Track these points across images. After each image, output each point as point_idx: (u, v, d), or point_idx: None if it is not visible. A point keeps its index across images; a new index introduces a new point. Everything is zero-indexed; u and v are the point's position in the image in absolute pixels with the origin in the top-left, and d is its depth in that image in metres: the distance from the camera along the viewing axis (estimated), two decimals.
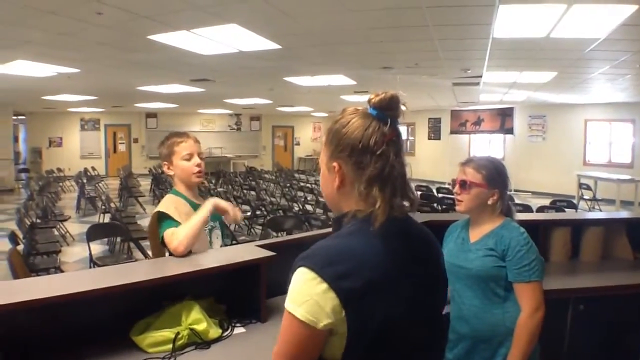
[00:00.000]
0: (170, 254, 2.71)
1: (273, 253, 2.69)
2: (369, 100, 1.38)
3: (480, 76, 10.08)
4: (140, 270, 2.61)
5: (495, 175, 2.67)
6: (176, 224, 2.73)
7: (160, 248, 2.81)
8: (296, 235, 3.10)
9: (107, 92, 14.32)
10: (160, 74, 10.62)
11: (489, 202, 2.62)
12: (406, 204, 1.37)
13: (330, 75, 10.66)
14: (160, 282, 2.33)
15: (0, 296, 1.95)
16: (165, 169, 3.03)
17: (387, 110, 1.36)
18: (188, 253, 2.65)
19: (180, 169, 2.96)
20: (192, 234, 2.65)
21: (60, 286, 2.16)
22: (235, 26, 6.06)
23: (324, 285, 1.18)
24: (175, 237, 2.65)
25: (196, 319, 2.35)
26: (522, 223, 4.35)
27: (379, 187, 1.31)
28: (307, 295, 1.20)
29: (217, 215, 3.06)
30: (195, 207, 2.91)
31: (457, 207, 2.72)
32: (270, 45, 7.09)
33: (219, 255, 2.71)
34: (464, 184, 2.63)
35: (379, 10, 5.42)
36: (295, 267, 1.26)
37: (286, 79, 11.11)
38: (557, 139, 17.90)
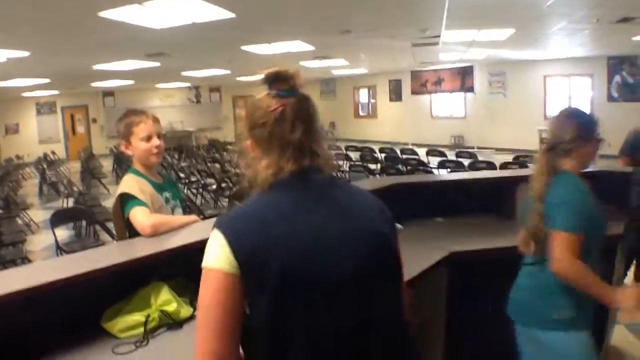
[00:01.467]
0: (132, 235, 2.67)
1: None
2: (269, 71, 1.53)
3: (439, 36, 10.05)
4: (106, 255, 2.54)
5: None
6: (142, 203, 2.69)
7: (125, 229, 2.75)
8: None
9: (61, 74, 13.96)
10: (114, 51, 10.36)
11: None
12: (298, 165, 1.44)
13: (289, 41, 10.50)
14: (127, 265, 2.27)
15: None
16: (122, 148, 2.95)
17: (273, 83, 1.51)
18: None
19: (140, 150, 2.88)
20: (167, 227, 2.68)
21: (26, 278, 2.10)
22: None
23: (224, 241, 1.34)
24: (148, 217, 2.63)
25: (166, 299, 2.30)
26: (487, 181, 4.40)
27: (264, 153, 1.46)
28: (213, 250, 1.36)
29: (177, 193, 3.13)
30: (156, 185, 2.91)
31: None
32: (224, 14, 6.92)
33: (185, 233, 2.65)
34: None
35: None
36: (212, 229, 1.41)
37: (244, 48, 10.92)
38: (517, 96, 18.08)
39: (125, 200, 2.72)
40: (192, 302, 2.42)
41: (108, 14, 6.41)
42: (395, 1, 6.86)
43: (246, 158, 1.53)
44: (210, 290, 1.35)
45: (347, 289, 1.37)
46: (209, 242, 1.39)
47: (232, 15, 7.02)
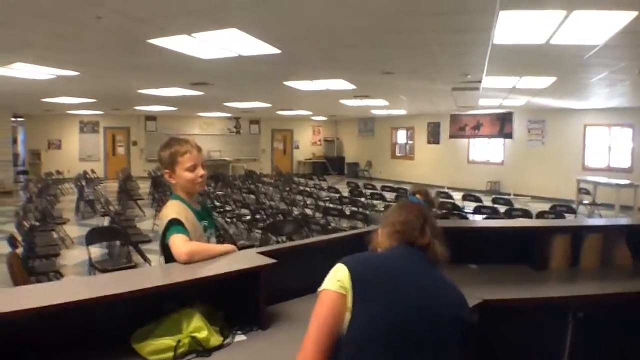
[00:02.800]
0: (168, 260, 2.73)
1: (273, 260, 2.68)
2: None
3: (480, 81, 10.09)
4: (140, 277, 2.60)
5: None
6: (184, 230, 2.73)
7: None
8: (296, 242, 3.10)
9: (106, 95, 14.32)
10: (160, 78, 10.62)
11: None
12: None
13: (330, 79, 10.66)
14: (161, 289, 2.32)
15: (1, 303, 1.95)
16: (167, 177, 3.01)
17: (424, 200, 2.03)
18: None
19: (184, 179, 2.94)
20: (204, 255, 2.72)
21: (61, 294, 2.15)
22: (234, 30, 6.05)
23: (343, 267, 1.75)
24: (186, 244, 2.66)
25: (197, 326, 2.34)
26: (523, 230, 4.39)
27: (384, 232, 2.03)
28: (330, 274, 1.77)
29: (212, 222, 3.20)
30: (196, 213, 2.96)
31: None
32: (270, 49, 7.08)
33: (219, 263, 2.70)
34: None
35: (378, 15, 5.42)
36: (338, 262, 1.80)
37: (286, 83, 11.11)
38: (556, 144, 17.88)
39: (169, 225, 2.75)
40: (222, 331, 2.47)
41: (157, 41, 6.61)
42: (438, 46, 6.95)
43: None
44: (323, 309, 1.71)
45: (426, 343, 1.66)
46: (331, 271, 1.77)
47: (277, 51, 7.18)
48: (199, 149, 3.04)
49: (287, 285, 2.94)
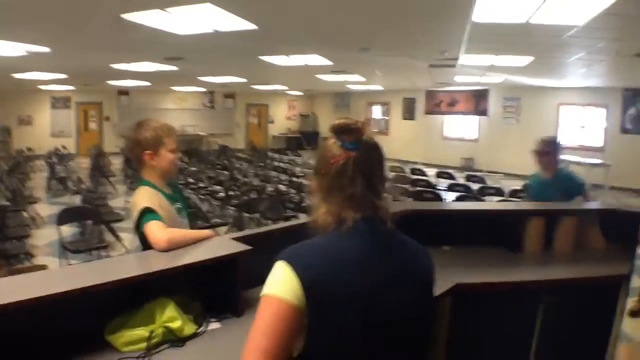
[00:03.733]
0: (145, 248, 2.66)
1: (249, 247, 2.63)
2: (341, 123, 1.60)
3: (457, 59, 10.06)
4: (113, 268, 2.53)
5: None
6: (158, 217, 2.68)
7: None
8: (271, 227, 3.07)
9: (78, 71, 14.02)
10: (134, 53, 10.43)
11: None
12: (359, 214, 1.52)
13: (307, 55, 10.54)
14: (134, 280, 2.26)
15: None
16: (146, 158, 2.89)
17: (342, 135, 1.56)
18: None
19: (167, 161, 2.90)
20: (182, 242, 2.66)
21: (32, 287, 2.09)
22: (209, 5, 5.92)
23: (292, 273, 1.40)
24: (163, 231, 2.61)
25: (170, 316, 2.29)
26: (496, 213, 4.39)
27: (324, 200, 1.56)
28: (277, 279, 1.43)
29: (185, 203, 3.21)
30: (169, 197, 2.92)
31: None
32: (246, 25, 6.95)
33: (194, 251, 2.64)
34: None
35: None
36: (276, 260, 1.48)
37: (262, 58, 10.97)
38: (530, 122, 17.99)
39: (143, 213, 2.69)
40: (197, 319, 2.43)
41: (131, 16, 6.44)
42: (416, 23, 6.88)
43: (311, 196, 1.65)
44: (269, 317, 1.40)
45: (397, 327, 1.50)
46: (272, 271, 1.46)
47: (254, 26, 7.04)
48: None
49: (261, 270, 2.88)
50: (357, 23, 7.04)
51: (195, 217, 7.18)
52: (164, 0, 5.82)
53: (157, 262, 2.45)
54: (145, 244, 2.69)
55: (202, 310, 2.52)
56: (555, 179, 5.04)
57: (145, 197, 2.78)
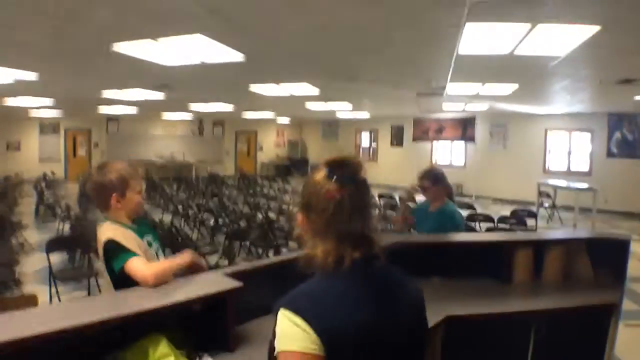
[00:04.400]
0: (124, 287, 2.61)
1: (239, 284, 2.64)
2: (335, 160, 1.57)
3: (444, 88, 10.16)
4: (105, 305, 2.51)
5: None
6: (134, 253, 2.63)
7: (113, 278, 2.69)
8: (263, 262, 3.09)
9: (67, 97, 14.02)
10: (122, 81, 10.45)
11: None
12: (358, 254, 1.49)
13: (295, 83, 10.62)
14: (125, 318, 2.25)
15: None
16: (113, 202, 2.82)
17: (337, 170, 1.53)
18: None
19: (133, 203, 2.87)
20: (168, 274, 2.62)
21: (25, 325, 2.09)
22: (199, 36, 5.97)
23: (304, 325, 1.36)
24: (147, 267, 2.57)
25: (163, 353, 2.29)
26: (485, 244, 4.43)
27: (320, 239, 1.51)
28: (290, 333, 1.37)
29: (156, 235, 3.13)
30: (136, 231, 2.86)
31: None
32: (234, 56, 7.01)
33: (185, 287, 2.64)
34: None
35: (344, 27, 5.42)
36: (276, 310, 1.43)
37: (251, 87, 11.04)
38: (518, 148, 18.29)
39: (115, 253, 2.62)
40: (190, 356, 2.42)
41: (121, 46, 6.47)
42: (403, 56, 6.97)
43: (301, 231, 1.61)
44: None
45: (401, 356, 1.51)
46: (280, 323, 1.40)
47: (242, 57, 7.10)
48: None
49: (255, 304, 2.91)
50: (345, 54, 7.13)
51: (185, 247, 7.17)
52: (155, 31, 5.87)
53: (149, 300, 2.43)
54: (117, 283, 2.63)
55: (194, 346, 2.52)
56: (438, 213, 4.90)
57: (108, 231, 2.73)
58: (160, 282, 2.56)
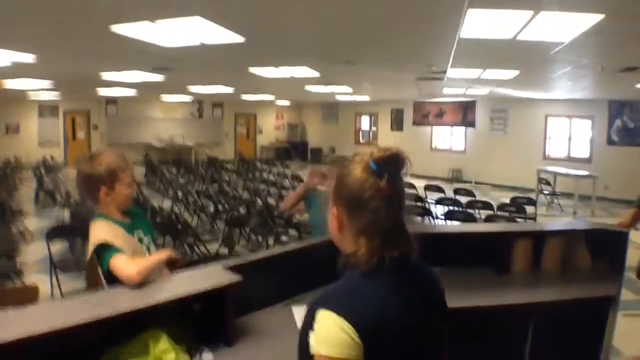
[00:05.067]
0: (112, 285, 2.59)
1: (239, 278, 2.61)
2: (371, 154, 1.52)
3: (445, 72, 10.11)
4: (106, 301, 2.46)
5: None
6: (120, 250, 2.60)
7: (99, 280, 2.67)
8: (264, 254, 3.07)
9: (66, 79, 13.95)
10: (122, 63, 10.37)
11: None
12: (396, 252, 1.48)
13: (295, 67, 10.57)
14: (127, 315, 2.24)
15: None
16: (102, 194, 2.78)
17: (386, 166, 1.49)
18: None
19: (123, 195, 2.83)
20: (150, 269, 2.56)
21: (27, 323, 2.08)
22: (198, 18, 5.92)
23: (346, 324, 1.33)
24: (131, 265, 2.52)
25: (164, 349, 2.28)
26: (484, 235, 4.41)
27: (365, 237, 1.47)
28: (335, 334, 1.34)
29: (148, 227, 3.08)
30: (127, 227, 2.84)
31: None
32: (233, 38, 6.95)
33: (185, 281, 2.62)
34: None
35: (344, 7, 5.35)
36: (315, 310, 1.40)
37: (250, 69, 10.98)
38: (518, 133, 18.23)
39: (102, 250, 2.60)
40: (190, 350, 2.41)
41: (119, 28, 6.41)
42: (404, 39, 6.91)
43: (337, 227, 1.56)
44: None
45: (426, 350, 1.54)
46: (324, 325, 1.37)
47: (241, 39, 7.05)
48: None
49: (255, 296, 2.89)
50: (345, 38, 7.07)
51: (185, 235, 7.17)
52: (154, 13, 5.81)
53: (148, 296, 2.41)
54: (109, 280, 2.60)
55: (195, 340, 2.50)
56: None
57: (100, 231, 2.69)
58: (144, 279, 2.51)
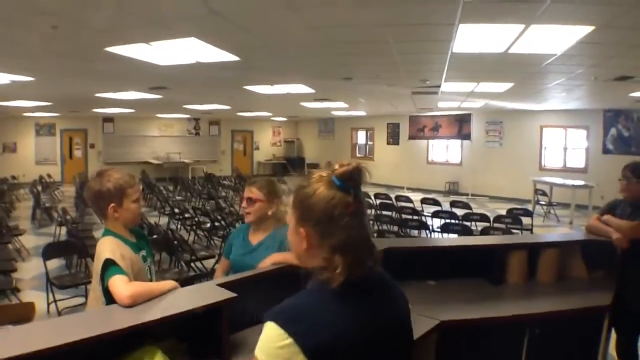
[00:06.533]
0: (109, 302, 2.59)
1: (233, 295, 2.62)
2: (333, 171, 1.51)
3: (439, 86, 10.18)
4: (100, 320, 2.47)
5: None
6: (121, 271, 2.61)
7: (101, 295, 2.69)
8: (257, 271, 3.06)
9: (63, 99, 14.03)
10: (118, 82, 10.46)
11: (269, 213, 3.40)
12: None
13: (290, 84, 10.62)
14: (120, 332, 2.24)
15: None
16: (110, 212, 2.82)
17: (350, 181, 1.49)
18: None
19: (131, 212, 2.86)
20: (146, 297, 2.54)
21: (23, 342, 2.06)
22: (193, 40, 5.97)
23: (289, 340, 1.33)
24: (126, 286, 2.52)
25: None
26: (479, 248, 4.42)
27: (340, 254, 1.44)
28: (274, 348, 1.35)
29: (150, 249, 3.12)
30: (133, 246, 2.87)
31: (246, 218, 3.46)
32: (229, 57, 7.01)
33: (179, 299, 2.62)
34: (250, 200, 3.40)
35: (339, 26, 5.40)
36: (265, 321, 1.40)
37: (246, 87, 11.04)
38: (513, 144, 18.26)
39: (106, 267, 2.61)
40: None
41: (115, 49, 6.48)
42: (398, 55, 6.96)
43: (297, 242, 1.55)
44: None
45: None
46: (268, 335, 1.38)
47: (236, 58, 7.10)
48: None
49: (248, 313, 2.90)
50: (340, 56, 7.13)
51: (181, 251, 7.16)
52: (149, 35, 5.87)
53: (143, 314, 2.41)
54: (109, 298, 2.60)
55: (190, 356, 2.51)
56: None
57: (107, 248, 2.71)
58: (136, 303, 2.49)
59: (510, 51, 6.27)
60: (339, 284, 1.42)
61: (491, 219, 9.18)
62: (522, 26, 5.02)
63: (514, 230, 8.63)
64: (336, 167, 1.52)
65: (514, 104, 14.89)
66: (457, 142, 20.44)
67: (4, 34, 5.76)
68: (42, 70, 8.43)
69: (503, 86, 10.11)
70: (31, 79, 9.18)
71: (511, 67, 7.59)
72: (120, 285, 2.52)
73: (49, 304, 6.10)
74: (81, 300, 6.21)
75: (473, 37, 5.64)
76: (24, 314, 5.21)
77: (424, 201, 12.38)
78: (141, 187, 2.95)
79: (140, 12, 4.85)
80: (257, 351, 1.38)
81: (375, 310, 1.50)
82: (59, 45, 6.33)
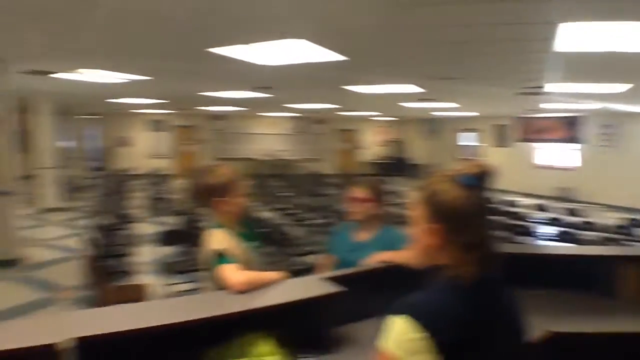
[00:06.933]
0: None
1: (344, 289, 2.67)
2: (460, 170, 1.57)
3: (542, 87, 9.77)
4: (210, 302, 2.64)
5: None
6: (232, 260, 2.73)
7: (211, 282, 2.84)
8: (365, 268, 3.12)
9: (172, 97, 14.79)
10: (222, 82, 10.95)
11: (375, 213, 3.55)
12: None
13: (398, 84, 10.62)
14: (230, 316, 2.38)
15: (86, 326, 2.09)
16: (219, 204, 2.97)
17: (479, 181, 1.55)
18: None
19: (239, 205, 3.01)
20: (258, 285, 2.66)
21: (139, 318, 2.26)
22: (304, 41, 6.04)
23: (423, 334, 1.37)
24: (239, 274, 2.65)
25: (268, 350, 2.36)
26: (594, 259, 4.20)
27: (472, 251, 1.50)
28: (406, 340, 1.38)
29: (255, 235, 3.25)
30: (240, 236, 3.01)
31: (352, 217, 3.63)
32: (337, 57, 7.04)
33: (287, 290, 2.72)
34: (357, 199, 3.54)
35: (445, 27, 5.34)
36: (396, 313, 1.44)
37: (351, 88, 11.10)
38: (633, 149, 16.84)
39: (217, 257, 2.75)
40: (290, 355, 2.46)
41: (215, 49, 6.63)
42: (502, 54, 6.80)
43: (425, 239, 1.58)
44: None
45: None
46: (399, 327, 1.41)
47: (345, 58, 7.13)
48: None
49: (354, 308, 2.93)
50: (445, 56, 7.08)
51: (284, 245, 7.33)
52: (259, 37, 6.01)
53: (251, 301, 2.52)
54: (219, 287, 2.73)
55: (294, 347, 2.55)
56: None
57: (217, 239, 2.86)
58: (248, 290, 2.61)
59: (622, 50, 5.90)
60: (470, 281, 1.48)
61: (605, 228, 8.78)
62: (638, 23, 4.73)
63: (630, 242, 8.17)
64: (467, 167, 1.58)
65: (633, 106, 14.00)
66: (568, 145, 19.54)
67: (114, 38, 6.15)
68: (150, 71, 9.00)
69: (620, 87, 9.52)
70: (142, 78, 9.74)
71: (627, 65, 7.07)
72: (231, 273, 2.65)
73: (160, 288, 6.44)
74: (192, 286, 6.49)
75: (578, 35, 5.32)
76: (135, 295, 5.51)
77: (531, 206, 12.02)
78: (249, 183, 3.06)
79: (239, 14, 4.90)
80: (385, 343, 1.42)
81: (502, 309, 1.57)
82: (164, 46, 6.70)
